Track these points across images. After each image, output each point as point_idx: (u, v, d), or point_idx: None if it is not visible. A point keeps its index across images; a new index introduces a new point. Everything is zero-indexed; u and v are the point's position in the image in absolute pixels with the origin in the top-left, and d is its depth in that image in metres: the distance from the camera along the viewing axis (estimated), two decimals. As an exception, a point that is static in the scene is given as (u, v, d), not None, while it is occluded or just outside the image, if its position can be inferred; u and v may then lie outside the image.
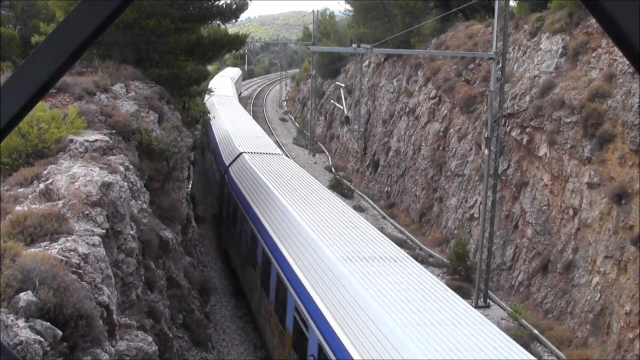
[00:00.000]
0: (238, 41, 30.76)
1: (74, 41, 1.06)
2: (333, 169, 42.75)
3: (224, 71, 68.84)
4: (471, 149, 28.22)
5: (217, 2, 29.20)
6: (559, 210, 21.70)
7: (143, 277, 11.13)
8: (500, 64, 21.54)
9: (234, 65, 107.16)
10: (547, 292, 21.63)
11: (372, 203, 35.46)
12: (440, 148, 30.82)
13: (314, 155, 47.41)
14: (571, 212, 20.96)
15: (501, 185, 24.44)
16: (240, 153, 25.25)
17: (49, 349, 5.68)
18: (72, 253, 7.50)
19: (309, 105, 53.39)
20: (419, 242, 29.11)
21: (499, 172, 23.42)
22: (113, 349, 7.18)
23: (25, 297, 5.99)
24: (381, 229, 30.96)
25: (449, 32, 34.58)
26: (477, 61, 29.50)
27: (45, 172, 10.08)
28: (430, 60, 34.10)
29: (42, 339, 5.64)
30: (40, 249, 7.36)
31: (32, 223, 7.78)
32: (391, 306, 11.18)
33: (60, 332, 5.97)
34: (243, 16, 32.34)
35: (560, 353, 18.77)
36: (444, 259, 26.26)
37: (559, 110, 22.03)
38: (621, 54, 1.73)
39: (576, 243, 20.54)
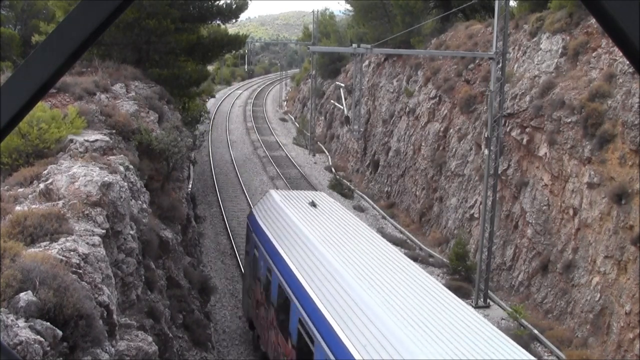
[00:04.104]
0: (238, 41, 30.83)
1: (74, 41, 1.06)
2: (333, 169, 42.74)
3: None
4: (471, 149, 28.22)
5: (217, 2, 29.26)
6: (559, 210, 21.70)
7: (143, 277, 11.14)
8: (500, 64, 21.54)
9: (234, 65, 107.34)
10: (547, 292, 21.63)
11: (372, 203, 35.46)
12: (440, 148, 30.82)
13: (314, 155, 47.42)
14: (571, 212, 20.95)
15: (501, 185, 24.44)
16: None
17: (49, 349, 5.68)
18: (72, 253, 7.50)
19: (309, 105, 53.39)
20: (419, 242, 29.11)
21: (499, 172, 23.42)
22: (113, 349, 7.18)
23: (25, 297, 5.99)
24: (381, 229, 31.02)
25: (449, 32, 34.58)
26: (477, 61, 29.49)
27: (45, 172, 10.08)
28: (430, 60, 34.09)
29: (42, 339, 5.64)
30: (40, 249, 7.36)
31: (32, 223, 7.79)
32: None
33: (60, 332, 5.97)
34: (243, 16, 32.41)
35: (560, 353, 18.76)
36: (444, 259, 26.26)
37: (559, 110, 22.03)
38: (621, 54, 1.73)
39: (576, 243, 20.54)
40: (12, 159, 11.22)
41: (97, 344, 6.48)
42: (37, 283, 6.20)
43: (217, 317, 20.49)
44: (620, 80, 20.21)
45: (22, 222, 7.80)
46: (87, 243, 8.06)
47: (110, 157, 12.02)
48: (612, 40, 1.02)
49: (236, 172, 40.78)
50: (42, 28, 26.78)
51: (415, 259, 27.07)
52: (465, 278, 24.43)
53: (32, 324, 5.76)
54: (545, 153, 22.66)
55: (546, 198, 22.44)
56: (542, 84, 23.84)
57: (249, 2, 30.28)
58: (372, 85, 42.00)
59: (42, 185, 9.38)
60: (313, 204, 18.09)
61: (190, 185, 27.34)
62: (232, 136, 54.11)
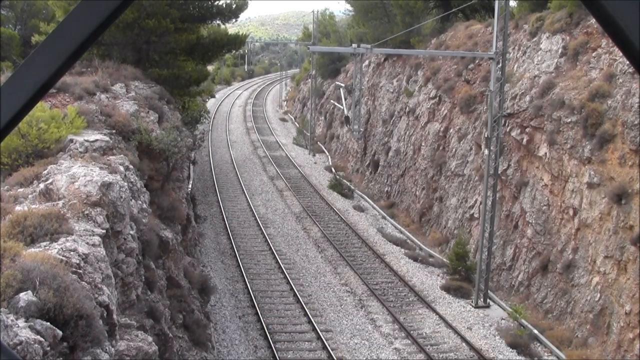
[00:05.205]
0: (238, 41, 30.85)
1: (74, 41, 1.06)
2: (333, 169, 42.75)
3: None
4: (471, 149, 28.22)
5: (217, 2, 29.28)
6: (559, 210, 21.70)
7: (143, 277, 11.14)
8: (500, 64, 21.54)
9: (234, 65, 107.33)
10: (547, 292, 21.63)
11: (372, 203, 35.47)
12: (440, 148, 30.82)
13: (314, 155, 47.43)
14: (571, 212, 20.96)
15: (501, 185, 24.44)
16: None
17: (49, 349, 5.68)
18: (72, 253, 7.50)
19: (309, 105, 53.40)
20: (419, 242, 29.11)
21: (499, 172, 23.42)
22: (113, 349, 7.18)
23: (25, 297, 5.99)
24: (381, 229, 31.03)
25: (449, 32, 34.58)
26: (477, 61, 29.49)
27: (45, 172, 10.08)
28: (430, 60, 34.10)
29: (42, 339, 5.63)
30: (40, 249, 7.36)
31: (32, 223, 7.78)
32: None
33: (60, 332, 5.96)
34: (243, 16, 32.43)
35: (560, 353, 18.76)
36: (444, 259, 26.26)
37: (559, 110, 22.03)
38: (621, 54, 1.73)
39: (576, 243, 20.54)
40: (12, 159, 11.23)
41: (97, 344, 6.48)
42: (37, 283, 6.20)
43: (217, 317, 20.48)
44: (620, 80, 20.21)
45: (22, 222, 7.80)
46: (87, 243, 8.06)
47: (110, 157, 12.02)
48: (612, 40, 1.02)
49: (236, 172, 40.80)
50: (42, 28, 26.80)
51: (415, 259, 27.10)
52: (465, 278, 24.43)
53: (32, 324, 5.76)
54: (545, 153, 22.66)
55: (546, 198, 22.44)
56: (542, 84, 23.84)
57: (249, 2, 30.31)
58: (372, 85, 42.00)
59: (42, 185, 9.38)
60: None
61: (190, 185, 27.34)
62: (232, 136, 54.13)
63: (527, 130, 24.01)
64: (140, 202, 12.31)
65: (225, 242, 28.05)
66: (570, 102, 21.55)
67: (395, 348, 19.34)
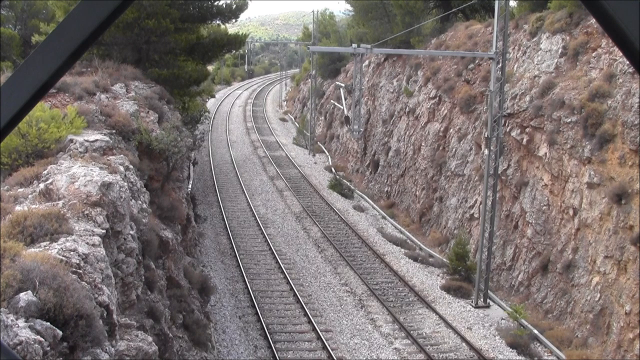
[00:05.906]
0: (238, 41, 30.87)
1: (74, 41, 1.06)
2: (333, 169, 42.75)
3: None
4: (471, 149, 28.22)
5: (217, 2, 29.30)
6: (559, 210, 21.70)
7: (143, 277, 11.13)
8: (500, 64, 21.54)
9: (234, 64, 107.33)
10: (547, 292, 21.63)
11: (372, 203, 35.47)
12: (440, 148, 30.82)
13: (314, 155, 47.42)
14: (571, 212, 20.96)
15: (501, 185, 24.44)
16: None
17: (49, 349, 5.68)
18: (72, 253, 7.50)
19: (309, 105, 53.40)
20: (419, 242, 29.11)
21: (499, 172, 23.42)
22: (113, 349, 7.18)
23: (25, 297, 5.99)
24: (381, 229, 31.03)
25: (449, 32, 34.58)
26: (477, 61, 29.49)
27: (45, 172, 10.09)
28: (430, 60, 34.10)
29: (42, 339, 5.63)
30: (40, 249, 7.36)
31: (32, 223, 7.78)
32: None
33: (60, 332, 5.96)
34: (243, 16, 32.45)
35: (560, 353, 18.76)
36: (444, 259, 26.26)
37: (559, 110, 22.03)
38: (621, 54, 1.73)
39: (576, 243, 20.54)
40: (12, 159, 11.23)
41: (97, 344, 6.48)
42: (37, 283, 6.20)
43: (217, 317, 20.49)
44: (620, 80, 20.21)
45: (22, 222, 7.80)
46: (87, 243, 8.06)
47: (110, 157, 12.02)
48: (612, 40, 1.02)
49: (236, 172, 40.80)
50: (42, 28, 26.82)
51: (415, 259, 27.10)
52: (465, 278, 24.43)
53: (32, 324, 5.76)
54: (545, 153, 22.66)
55: (546, 198, 22.44)
56: (542, 84, 23.84)
57: (249, 2, 30.34)
58: (372, 85, 41.99)
59: (42, 185, 9.38)
60: None
61: (190, 185, 27.35)
62: (232, 136, 54.13)
63: (527, 130, 24.01)
64: (140, 202, 12.31)
65: (225, 242, 28.05)
66: (570, 102, 21.55)
67: (395, 348, 19.35)
